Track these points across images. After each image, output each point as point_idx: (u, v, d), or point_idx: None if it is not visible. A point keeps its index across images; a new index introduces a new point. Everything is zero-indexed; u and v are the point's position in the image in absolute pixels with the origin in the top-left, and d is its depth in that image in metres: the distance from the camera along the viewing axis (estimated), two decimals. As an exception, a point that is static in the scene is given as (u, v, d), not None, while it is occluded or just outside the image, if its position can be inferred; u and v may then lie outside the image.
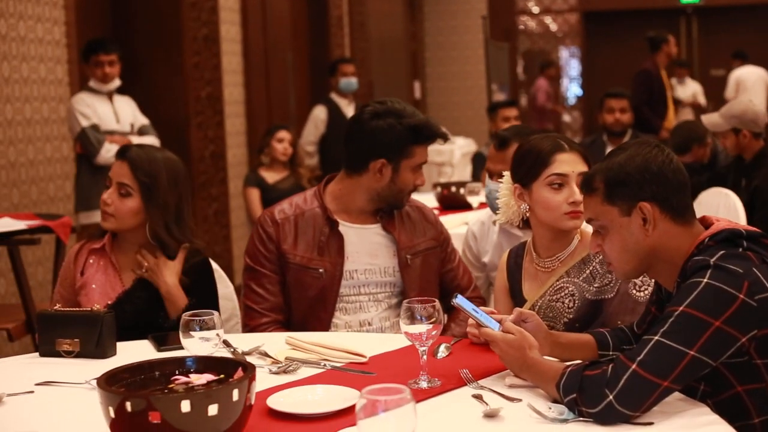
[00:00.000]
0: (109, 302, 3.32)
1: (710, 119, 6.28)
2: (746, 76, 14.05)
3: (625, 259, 2.52)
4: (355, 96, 9.29)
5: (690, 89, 14.06)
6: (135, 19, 7.96)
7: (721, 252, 2.36)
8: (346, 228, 3.56)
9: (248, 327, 3.53)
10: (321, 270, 3.52)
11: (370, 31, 12.71)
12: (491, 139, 8.03)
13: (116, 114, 6.49)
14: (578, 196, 3.04)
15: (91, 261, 3.43)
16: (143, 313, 3.31)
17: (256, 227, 3.61)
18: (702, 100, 14.02)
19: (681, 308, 2.29)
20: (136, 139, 6.36)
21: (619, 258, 2.53)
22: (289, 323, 3.56)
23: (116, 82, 6.52)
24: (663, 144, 2.55)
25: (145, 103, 6.99)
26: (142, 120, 6.70)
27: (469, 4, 15.48)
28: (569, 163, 3.11)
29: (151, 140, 6.46)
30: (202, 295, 3.37)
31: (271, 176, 7.40)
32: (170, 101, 7.92)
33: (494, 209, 3.95)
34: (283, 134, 7.47)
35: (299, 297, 3.54)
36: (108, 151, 6.15)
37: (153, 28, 7.95)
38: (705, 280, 2.31)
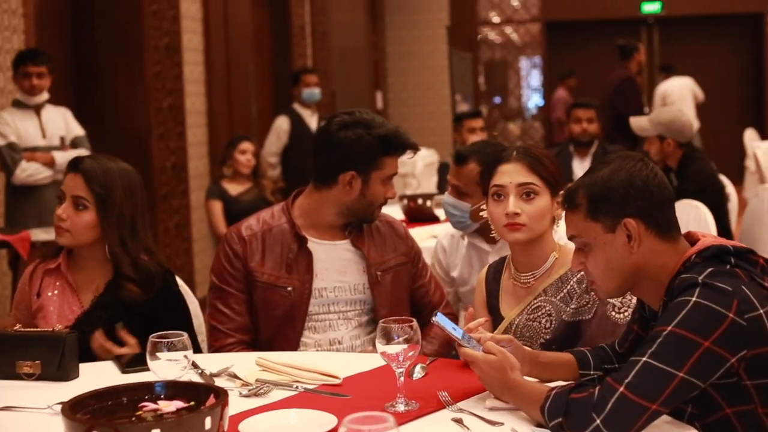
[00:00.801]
0: (68, 324, 3.18)
1: (638, 123, 6.32)
2: (671, 89, 14.19)
3: (609, 277, 2.44)
4: (318, 106, 9.22)
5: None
6: (95, 28, 7.83)
7: (709, 269, 2.29)
8: (314, 245, 3.47)
9: (213, 348, 3.43)
10: (289, 288, 3.42)
11: (332, 41, 12.67)
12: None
13: (43, 129, 6.21)
14: (512, 207, 2.98)
15: (46, 282, 3.29)
16: (106, 333, 3.17)
17: (223, 244, 3.51)
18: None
19: (669, 328, 2.21)
20: (61, 154, 6.15)
21: (603, 276, 2.45)
22: (255, 343, 3.46)
23: (44, 95, 6.25)
24: (646, 158, 2.48)
25: (106, 114, 6.88)
26: (77, 132, 6.44)
27: (431, 13, 15.47)
28: (508, 174, 3.02)
29: (83, 153, 6.24)
30: (172, 313, 3.27)
31: (233, 188, 7.30)
32: (131, 111, 7.79)
33: (453, 223, 3.90)
34: (246, 145, 7.37)
35: (267, 316, 3.44)
36: (23, 171, 5.95)
37: (114, 37, 7.82)
38: (693, 298, 2.23)
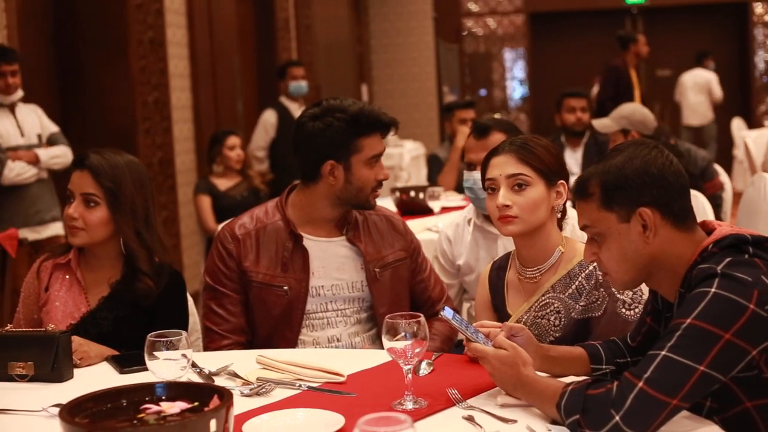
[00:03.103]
0: (73, 322, 3.12)
1: (601, 122, 6.26)
2: (686, 78, 14.22)
3: (624, 268, 2.36)
4: (305, 100, 9.14)
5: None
6: (79, 22, 7.72)
7: (728, 259, 2.22)
8: (310, 242, 3.38)
9: (209, 349, 3.35)
10: (285, 287, 3.33)
11: (316, 34, 12.61)
12: (446, 141, 7.91)
13: (20, 127, 6.06)
14: (501, 200, 2.93)
15: (55, 277, 3.22)
16: (109, 335, 3.09)
17: (216, 244, 3.43)
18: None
19: (688, 321, 2.14)
20: (44, 151, 6.05)
21: (618, 268, 2.37)
22: (251, 344, 3.38)
23: (19, 93, 6.08)
24: (661, 144, 2.40)
25: (91, 109, 6.78)
26: (51, 128, 6.30)
27: (414, 5, 15.39)
28: (498, 167, 2.98)
29: (62, 150, 6.16)
30: (174, 314, 3.20)
31: (222, 183, 7.22)
32: (117, 107, 7.70)
33: (477, 203, 3.79)
34: (234, 140, 7.29)
35: (263, 316, 3.36)
36: (11, 171, 5.82)
37: (98, 31, 7.71)
38: (713, 290, 2.16)
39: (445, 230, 4.07)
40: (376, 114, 3.30)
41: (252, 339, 3.39)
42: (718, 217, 5.94)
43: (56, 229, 6.14)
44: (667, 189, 2.32)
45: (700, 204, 5.23)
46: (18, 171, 5.84)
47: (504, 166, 2.96)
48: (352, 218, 3.45)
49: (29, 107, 6.24)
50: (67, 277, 3.21)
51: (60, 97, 7.56)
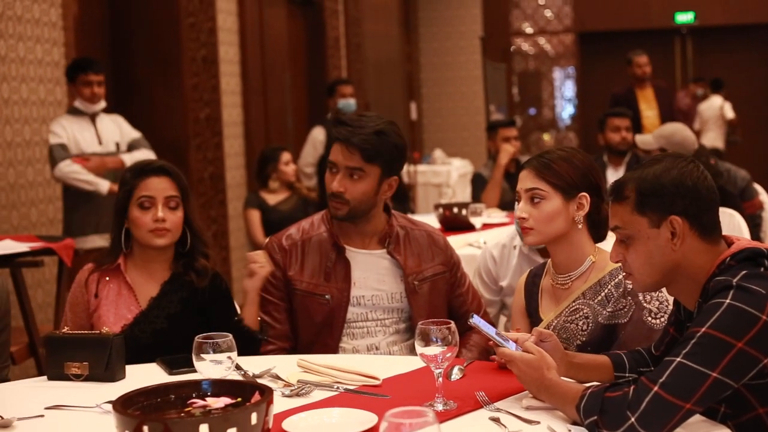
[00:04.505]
0: (126, 323, 3.30)
1: (642, 138, 6.38)
2: (704, 110, 14.17)
3: (648, 272, 2.49)
4: (354, 117, 9.24)
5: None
6: (134, 40, 7.94)
7: (744, 272, 2.34)
8: (353, 254, 3.54)
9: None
10: (327, 296, 3.50)
11: (366, 52, 12.73)
12: (489, 159, 8.02)
13: (99, 135, 6.28)
14: (518, 212, 3.11)
15: (104, 283, 3.40)
16: (162, 332, 3.29)
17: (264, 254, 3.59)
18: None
19: (703, 329, 2.26)
20: (128, 156, 6.24)
21: (642, 270, 2.50)
22: (295, 350, 3.53)
23: (102, 103, 6.34)
24: (697, 160, 2.53)
25: (144, 125, 6.95)
26: (133, 134, 6.50)
27: (464, 25, 15.50)
28: (521, 181, 3.15)
29: (145, 153, 6.34)
30: (224, 307, 3.42)
31: (272, 198, 7.36)
32: (169, 123, 7.89)
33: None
34: (287, 156, 7.44)
35: (306, 323, 3.53)
36: (68, 165, 5.98)
37: (151, 49, 7.93)
38: (727, 301, 2.28)
39: (490, 249, 4.17)
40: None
41: (295, 346, 3.55)
42: (756, 236, 6.01)
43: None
44: (698, 201, 2.45)
45: (737, 223, 5.29)
46: (75, 169, 5.98)
47: (524, 180, 3.13)
48: (394, 232, 3.59)
49: (110, 117, 6.46)
50: (117, 281, 3.40)
51: (115, 112, 7.76)
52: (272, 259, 3.55)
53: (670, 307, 2.95)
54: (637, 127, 9.50)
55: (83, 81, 6.23)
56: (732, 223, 5.35)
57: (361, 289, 3.53)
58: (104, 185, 6.05)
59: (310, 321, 3.51)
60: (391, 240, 3.58)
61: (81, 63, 6.33)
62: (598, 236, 3.19)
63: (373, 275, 3.55)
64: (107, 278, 3.40)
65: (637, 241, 2.49)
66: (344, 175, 3.45)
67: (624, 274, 2.60)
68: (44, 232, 6.34)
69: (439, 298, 3.63)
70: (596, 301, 3.05)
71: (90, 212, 6.12)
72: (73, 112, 6.28)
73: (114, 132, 6.40)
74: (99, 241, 6.07)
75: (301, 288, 3.52)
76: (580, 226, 3.11)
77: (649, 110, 10.30)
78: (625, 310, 3.01)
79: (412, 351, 3.52)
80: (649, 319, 2.98)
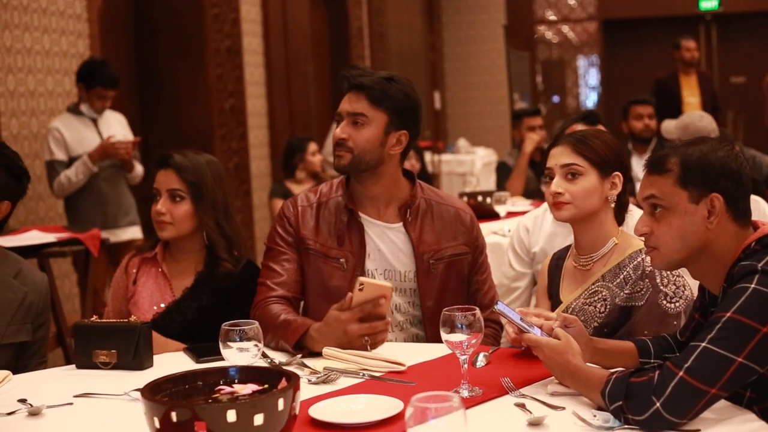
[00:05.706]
0: (158, 310, 3.36)
1: (666, 126, 6.38)
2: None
3: (677, 247, 2.49)
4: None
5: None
6: (158, 31, 7.97)
7: (768, 257, 2.34)
8: (368, 222, 3.42)
9: (256, 306, 3.34)
10: (342, 260, 3.37)
11: (389, 42, 12.73)
12: (514, 148, 8.02)
13: (100, 134, 6.25)
14: (554, 187, 3.11)
15: (142, 271, 3.48)
16: (192, 322, 3.33)
17: (278, 212, 3.52)
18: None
19: (728, 314, 2.27)
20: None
21: (671, 244, 2.49)
22: (297, 305, 3.40)
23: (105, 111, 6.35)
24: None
25: (169, 116, 6.99)
26: (130, 138, 6.46)
27: (487, 14, 15.47)
28: (555, 157, 3.16)
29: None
30: (251, 301, 3.39)
31: (297, 187, 7.39)
32: (194, 113, 7.93)
33: None
34: (314, 146, 7.50)
35: (317, 287, 3.39)
36: (58, 183, 6.00)
37: (175, 40, 7.96)
38: (752, 285, 2.28)
39: (523, 221, 4.16)
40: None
41: (298, 301, 3.41)
42: (781, 222, 5.97)
43: (134, 232, 6.36)
44: (739, 186, 2.46)
45: (762, 209, 5.27)
46: (69, 175, 5.99)
47: (559, 156, 3.14)
48: (415, 203, 3.45)
49: (114, 115, 6.46)
50: (154, 270, 3.47)
51: (140, 103, 7.81)
52: (285, 216, 3.45)
53: (686, 291, 2.97)
54: (678, 113, 9.47)
55: (98, 94, 6.21)
56: (757, 209, 5.31)
57: (374, 261, 3.41)
58: (87, 160, 6.04)
59: (321, 285, 3.38)
60: (411, 211, 3.44)
61: (100, 77, 6.21)
62: (621, 218, 3.21)
63: (387, 249, 3.41)
64: (145, 265, 3.49)
65: (673, 214, 2.48)
66: (348, 122, 3.34)
67: (645, 252, 2.60)
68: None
69: (457, 281, 3.46)
70: (615, 283, 3.06)
71: (96, 206, 6.14)
72: (75, 112, 6.25)
73: (117, 131, 6.37)
74: (109, 235, 6.07)
75: (314, 248, 3.39)
76: (612, 205, 3.13)
77: (691, 96, 10.24)
78: (642, 292, 3.02)
79: (417, 328, 3.44)
80: (664, 302, 2.99)
